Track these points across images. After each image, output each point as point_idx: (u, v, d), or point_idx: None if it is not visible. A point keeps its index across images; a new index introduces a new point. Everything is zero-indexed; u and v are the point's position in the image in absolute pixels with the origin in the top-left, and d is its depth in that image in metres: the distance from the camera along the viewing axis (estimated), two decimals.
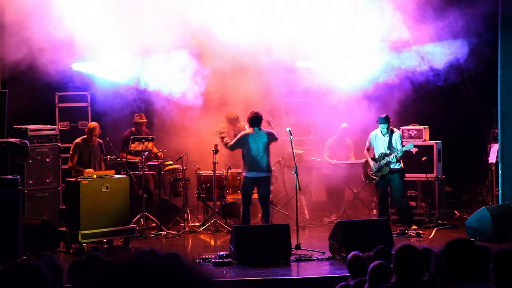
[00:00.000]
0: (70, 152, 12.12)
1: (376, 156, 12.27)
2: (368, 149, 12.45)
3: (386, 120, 12.10)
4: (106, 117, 13.15)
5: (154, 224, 12.36)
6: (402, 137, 12.34)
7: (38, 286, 2.97)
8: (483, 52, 13.16)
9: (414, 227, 12.10)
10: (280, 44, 13.05)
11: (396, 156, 12.07)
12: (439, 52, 13.21)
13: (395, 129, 12.36)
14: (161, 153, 12.77)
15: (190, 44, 12.85)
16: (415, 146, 12.25)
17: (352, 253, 6.59)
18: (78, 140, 12.17)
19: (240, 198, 12.63)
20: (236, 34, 12.77)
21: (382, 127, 12.13)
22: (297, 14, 13.05)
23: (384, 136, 12.19)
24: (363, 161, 13.26)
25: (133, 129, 13.08)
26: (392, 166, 12.14)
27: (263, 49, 12.97)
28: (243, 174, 11.56)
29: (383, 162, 12.14)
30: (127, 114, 13.34)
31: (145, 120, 13.12)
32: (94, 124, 12.25)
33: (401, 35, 13.00)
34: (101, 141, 12.27)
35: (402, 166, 12.25)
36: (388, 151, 12.15)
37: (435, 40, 13.19)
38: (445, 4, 13.27)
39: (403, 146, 12.13)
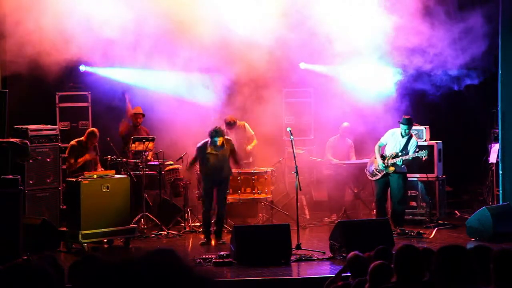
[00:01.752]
0: (66, 155, 11.96)
1: (387, 154, 12.19)
2: (380, 146, 12.26)
3: (408, 122, 11.98)
4: (106, 117, 13.13)
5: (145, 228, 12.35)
6: (417, 145, 12.15)
7: (43, 287, 2.97)
8: (485, 53, 13.20)
9: (401, 228, 11.96)
10: (284, 44, 13.07)
11: (403, 160, 12.00)
12: (447, 56, 13.25)
13: (414, 135, 12.28)
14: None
15: (190, 44, 12.84)
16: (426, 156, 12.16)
17: (352, 252, 6.59)
18: (73, 142, 11.97)
19: (240, 198, 12.67)
20: (237, 32, 12.77)
21: (403, 128, 11.99)
22: (308, 16, 13.06)
23: (402, 137, 12.08)
24: (364, 161, 13.27)
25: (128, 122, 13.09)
26: (397, 167, 12.07)
27: (266, 48, 12.99)
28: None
29: (390, 162, 12.08)
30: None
31: (141, 112, 13.11)
32: (95, 130, 12.07)
33: (409, 39, 12.99)
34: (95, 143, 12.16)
35: (406, 169, 12.17)
36: (400, 153, 12.07)
37: (443, 44, 13.21)
38: (453, 8, 13.33)
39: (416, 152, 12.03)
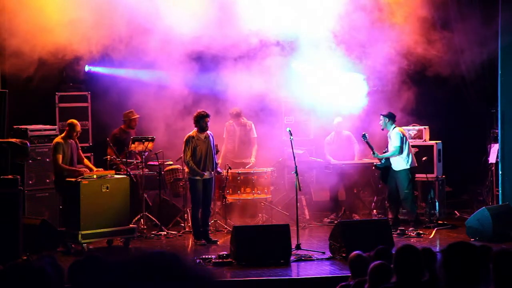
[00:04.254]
0: (53, 152, 11.57)
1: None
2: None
3: (383, 116, 12.24)
4: (106, 117, 13.12)
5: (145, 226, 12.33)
6: (400, 137, 12.13)
7: (43, 287, 2.98)
8: (484, 53, 13.24)
9: (410, 228, 12.02)
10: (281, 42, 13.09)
11: (374, 155, 12.26)
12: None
13: (391, 132, 12.28)
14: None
15: (188, 42, 12.84)
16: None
17: (354, 252, 6.59)
18: (58, 139, 11.58)
19: (240, 198, 12.68)
20: (233, 29, 12.75)
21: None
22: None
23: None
24: (364, 162, 13.30)
25: (122, 126, 13.00)
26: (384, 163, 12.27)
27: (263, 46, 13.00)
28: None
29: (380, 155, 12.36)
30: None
31: (138, 116, 13.07)
32: (74, 121, 11.71)
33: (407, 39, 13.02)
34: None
35: (409, 165, 12.14)
36: (384, 150, 12.33)
37: (444, 44, 13.26)
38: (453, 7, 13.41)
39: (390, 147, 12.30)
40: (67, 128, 11.60)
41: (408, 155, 12.19)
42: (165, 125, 13.23)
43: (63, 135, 11.60)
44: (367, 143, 12.34)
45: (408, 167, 12.18)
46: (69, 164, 11.48)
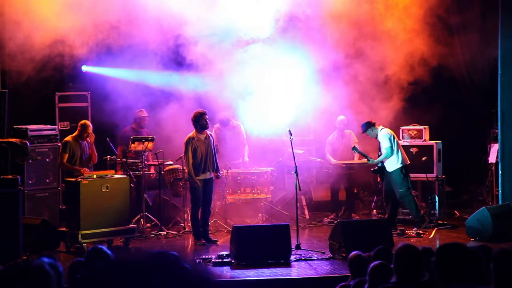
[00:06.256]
0: (60, 151, 11.84)
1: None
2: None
3: (364, 132, 12.18)
4: (106, 117, 13.12)
5: (148, 224, 12.36)
6: (388, 138, 11.97)
7: (43, 287, 2.98)
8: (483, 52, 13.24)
9: (414, 229, 12.00)
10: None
11: (370, 162, 12.26)
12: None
13: (383, 130, 12.12)
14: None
15: (185, 43, 12.85)
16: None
17: (354, 252, 6.59)
18: (68, 138, 11.81)
19: (240, 198, 12.68)
20: (228, 24, 12.76)
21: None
22: None
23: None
24: (364, 161, 13.29)
25: (133, 125, 13.04)
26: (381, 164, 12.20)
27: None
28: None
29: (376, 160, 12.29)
30: (128, 114, 13.30)
31: (148, 115, 13.11)
32: (87, 122, 11.95)
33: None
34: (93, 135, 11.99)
35: (400, 163, 11.99)
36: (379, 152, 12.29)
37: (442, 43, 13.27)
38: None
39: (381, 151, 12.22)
40: (78, 128, 11.81)
41: (397, 153, 11.99)
42: (165, 124, 13.25)
43: (74, 134, 11.80)
44: (360, 153, 12.27)
45: (400, 165, 11.97)
46: (79, 164, 11.62)
